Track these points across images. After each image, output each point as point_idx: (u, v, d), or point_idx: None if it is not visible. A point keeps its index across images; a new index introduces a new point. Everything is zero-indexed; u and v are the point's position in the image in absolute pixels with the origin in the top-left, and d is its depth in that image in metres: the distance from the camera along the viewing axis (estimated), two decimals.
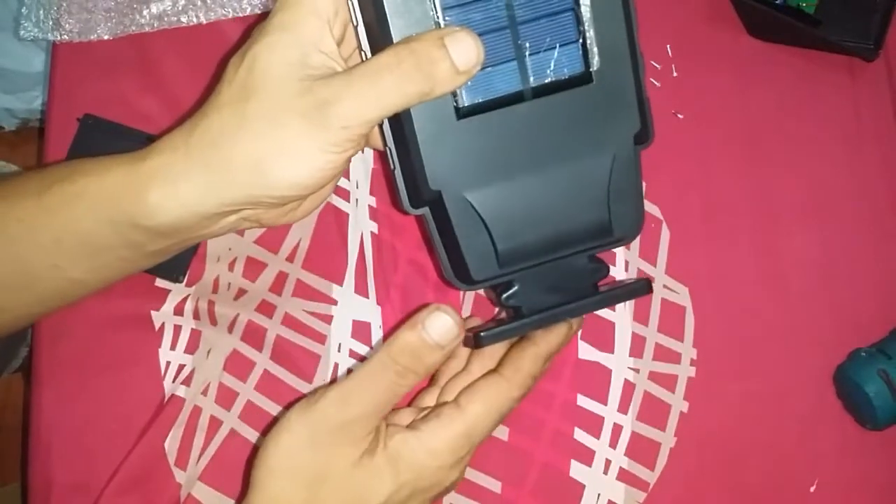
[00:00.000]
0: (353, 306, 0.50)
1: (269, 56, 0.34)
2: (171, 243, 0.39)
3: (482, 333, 0.37)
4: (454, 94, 0.35)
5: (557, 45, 0.35)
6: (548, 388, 0.50)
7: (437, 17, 0.34)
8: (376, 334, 0.50)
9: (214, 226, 0.38)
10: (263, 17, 0.55)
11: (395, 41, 0.34)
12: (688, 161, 0.55)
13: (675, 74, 0.57)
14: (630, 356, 0.51)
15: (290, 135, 0.33)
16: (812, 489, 0.50)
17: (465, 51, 0.33)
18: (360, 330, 0.50)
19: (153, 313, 0.49)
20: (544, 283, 0.38)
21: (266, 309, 0.49)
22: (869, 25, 0.57)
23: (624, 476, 0.49)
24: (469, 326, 0.40)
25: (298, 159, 0.33)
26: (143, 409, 0.48)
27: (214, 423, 0.47)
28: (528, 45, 0.34)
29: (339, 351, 0.49)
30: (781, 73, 0.57)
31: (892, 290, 0.54)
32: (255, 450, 0.40)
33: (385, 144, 0.37)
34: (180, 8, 0.54)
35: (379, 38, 0.34)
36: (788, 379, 0.52)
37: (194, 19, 0.54)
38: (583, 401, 0.50)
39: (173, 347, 0.48)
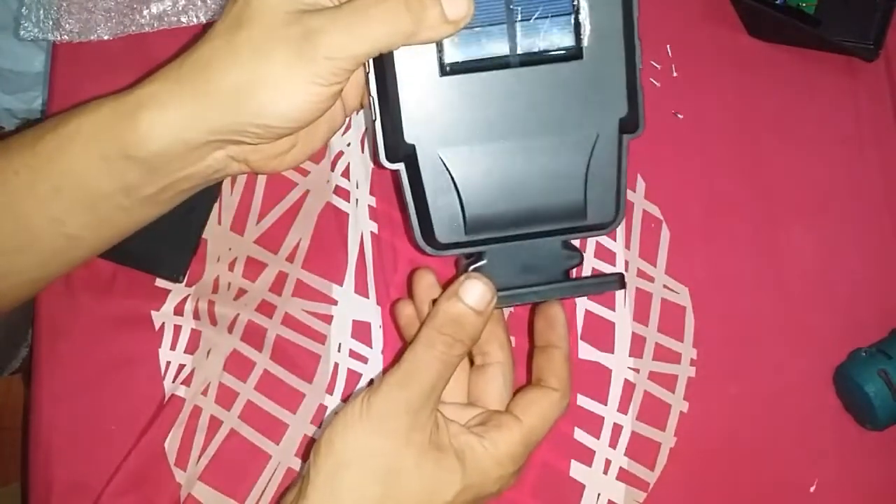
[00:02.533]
0: (353, 306, 0.50)
1: None
2: (164, 184, 0.38)
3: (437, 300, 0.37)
4: (440, 50, 0.35)
5: (549, 16, 0.34)
6: None
7: None
8: (376, 334, 0.50)
9: (202, 161, 0.38)
10: None
11: None
12: (688, 161, 0.55)
13: (674, 74, 0.57)
14: (630, 356, 0.51)
15: (275, 63, 0.33)
16: (812, 489, 0.50)
17: (456, 1, 0.33)
18: (360, 330, 0.50)
19: (153, 313, 0.49)
20: (514, 262, 0.37)
21: (266, 309, 0.49)
22: (869, 25, 0.57)
23: (624, 476, 0.49)
24: None
25: (283, 88, 0.34)
26: (143, 409, 0.48)
27: (214, 423, 0.47)
28: (519, 10, 0.34)
29: (339, 351, 0.49)
30: (781, 73, 0.57)
31: (892, 290, 0.54)
32: (310, 443, 0.39)
33: (368, 94, 0.36)
34: (180, 8, 0.54)
35: None
36: (788, 379, 0.52)
37: (194, 19, 0.54)
38: (583, 401, 0.50)
39: (173, 347, 0.48)
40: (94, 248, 0.42)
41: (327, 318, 0.50)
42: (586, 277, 0.40)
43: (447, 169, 0.35)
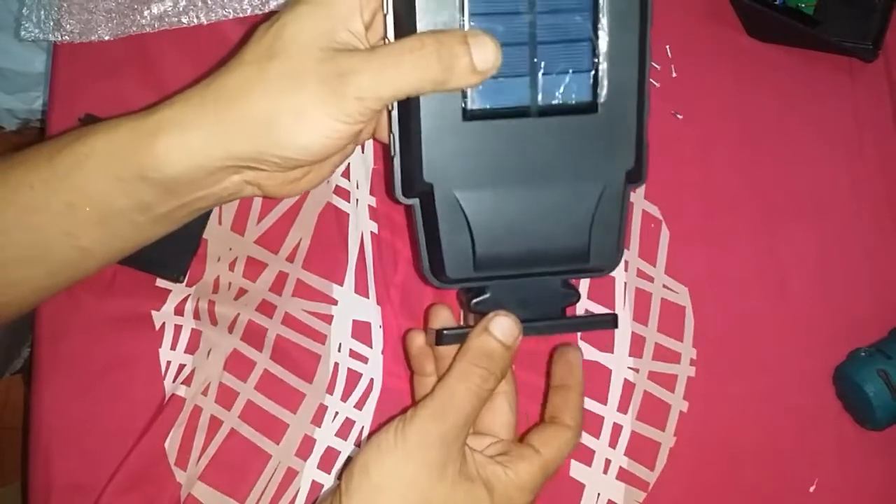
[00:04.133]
0: (353, 306, 0.50)
1: (299, 24, 0.35)
2: (178, 204, 0.39)
3: (444, 332, 0.39)
4: (464, 96, 0.36)
5: (570, 71, 0.36)
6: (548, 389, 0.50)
7: (463, 21, 0.35)
8: (376, 334, 0.50)
9: (219, 184, 0.39)
10: (266, 16, 0.55)
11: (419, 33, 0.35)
12: (687, 161, 0.55)
13: (674, 75, 0.57)
14: (630, 356, 0.51)
15: (305, 97, 0.34)
16: (811, 489, 0.50)
17: (485, 53, 0.34)
18: (361, 330, 0.50)
19: (153, 313, 0.49)
20: (515, 297, 0.39)
21: (266, 309, 0.49)
22: (868, 26, 0.57)
23: (624, 476, 0.49)
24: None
25: (309, 122, 0.34)
26: (143, 408, 0.48)
27: (215, 423, 0.47)
28: (543, 64, 0.36)
29: (339, 351, 0.49)
30: (781, 73, 0.57)
31: (892, 290, 0.54)
32: (347, 461, 0.40)
33: (390, 130, 0.37)
34: (181, 8, 0.54)
35: (405, 29, 0.36)
36: (788, 379, 0.52)
37: (195, 20, 0.54)
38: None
39: (174, 347, 0.48)
40: (104, 261, 0.43)
41: (327, 318, 0.50)
42: (583, 316, 0.43)
43: (462, 209, 0.37)
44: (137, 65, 0.54)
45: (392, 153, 0.38)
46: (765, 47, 0.58)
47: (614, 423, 0.50)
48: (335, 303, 0.50)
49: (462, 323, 0.45)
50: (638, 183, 0.39)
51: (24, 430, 0.49)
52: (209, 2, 0.54)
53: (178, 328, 0.49)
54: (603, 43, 0.36)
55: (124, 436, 0.47)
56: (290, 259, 0.50)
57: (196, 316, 0.49)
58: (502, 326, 0.38)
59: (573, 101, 0.37)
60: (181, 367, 0.48)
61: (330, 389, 0.49)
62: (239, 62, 0.36)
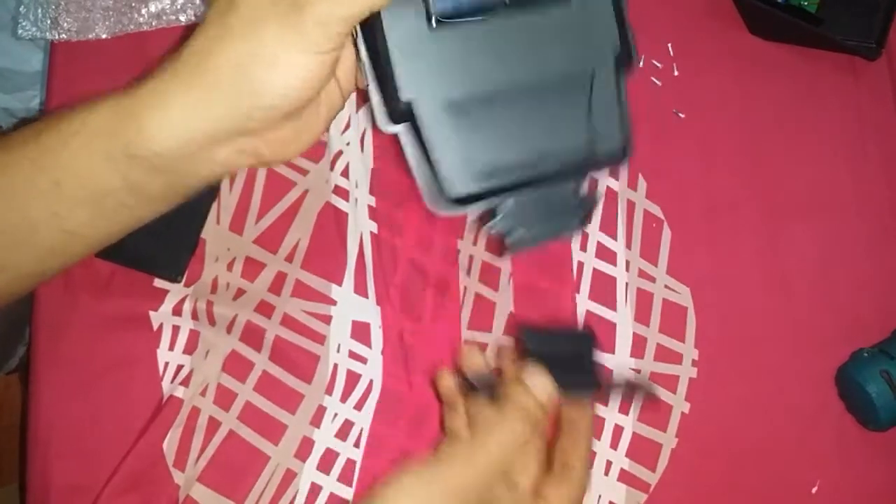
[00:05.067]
0: (352, 306, 0.50)
1: None
2: (169, 182, 0.38)
3: (473, 380, 0.41)
4: (427, 4, 0.34)
5: None
6: None
7: None
8: (376, 334, 0.50)
9: (210, 158, 0.37)
10: None
11: None
12: (689, 160, 0.55)
13: (676, 73, 0.57)
14: (631, 356, 0.51)
15: (268, 39, 0.34)
16: (814, 490, 0.50)
17: None
18: (360, 330, 0.50)
19: (151, 314, 0.49)
20: (530, 212, 0.37)
21: (265, 309, 0.49)
22: (871, 24, 0.57)
23: (625, 477, 0.49)
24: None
25: (280, 62, 0.34)
26: (141, 409, 0.47)
27: (213, 424, 0.47)
28: None
29: (338, 351, 0.49)
30: (783, 72, 0.57)
31: (894, 291, 0.54)
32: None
33: (359, 59, 0.36)
34: (178, 7, 0.54)
35: None
36: (790, 379, 0.52)
37: (192, 18, 0.54)
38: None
39: (172, 348, 0.48)
40: (93, 245, 0.42)
41: (326, 319, 0.49)
42: (618, 385, 0.43)
43: (448, 121, 0.35)
44: (135, 63, 0.53)
45: (366, 82, 0.36)
46: (767, 46, 0.57)
47: (615, 425, 0.50)
48: (334, 303, 0.50)
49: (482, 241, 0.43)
50: (629, 65, 0.37)
51: (22, 431, 0.49)
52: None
53: (175, 329, 0.48)
54: None
55: (122, 436, 0.47)
56: (289, 259, 0.50)
57: (194, 316, 0.49)
58: (541, 386, 0.39)
59: None
60: (179, 367, 0.48)
61: (329, 390, 0.48)
62: (203, 24, 0.35)
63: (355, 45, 0.36)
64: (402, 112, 0.35)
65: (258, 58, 0.34)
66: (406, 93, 0.34)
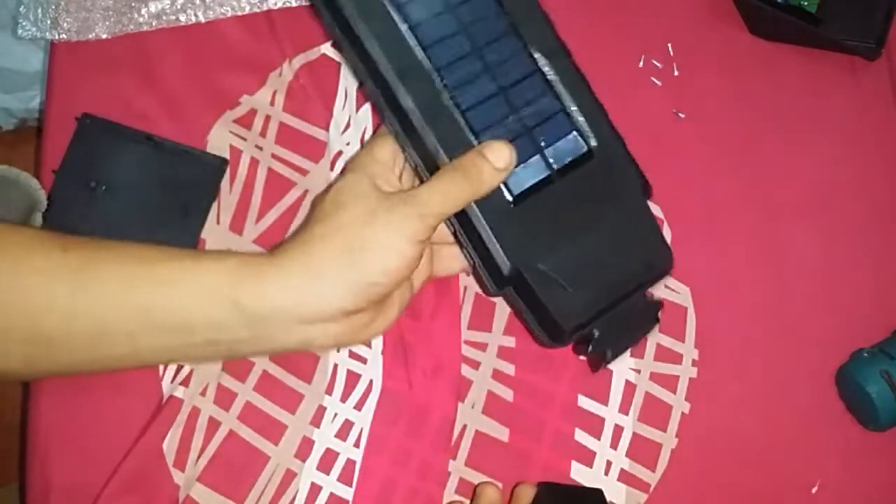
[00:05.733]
0: None
1: (349, 185, 0.42)
2: (249, 338, 0.41)
3: None
4: (506, 188, 0.43)
5: (563, 137, 0.44)
6: (548, 389, 0.50)
7: (477, 138, 0.43)
8: None
9: (299, 332, 0.41)
10: (265, 14, 0.55)
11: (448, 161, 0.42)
12: (689, 161, 0.55)
13: (675, 73, 0.57)
14: (631, 356, 0.51)
15: (378, 227, 0.40)
16: (814, 490, 0.50)
17: (500, 153, 0.41)
18: None
19: None
20: (618, 326, 0.45)
21: None
22: (871, 24, 0.57)
23: (625, 477, 0.49)
24: None
25: (383, 247, 0.40)
26: (141, 409, 0.47)
27: (213, 424, 0.47)
28: (542, 141, 0.44)
29: (338, 351, 0.49)
30: (783, 72, 0.57)
31: (894, 290, 0.54)
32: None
33: (461, 245, 0.44)
34: (179, 7, 0.54)
35: (433, 166, 0.42)
36: (790, 379, 0.52)
37: (193, 18, 0.54)
38: (583, 401, 0.50)
39: None
40: (141, 365, 0.45)
41: None
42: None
43: (549, 274, 0.43)
44: (135, 63, 0.53)
45: (470, 262, 0.44)
46: (767, 45, 0.57)
47: (615, 425, 0.50)
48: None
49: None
50: (649, 194, 0.46)
51: (22, 430, 0.49)
52: (207, 0, 0.54)
53: None
54: (570, 107, 0.44)
55: (122, 436, 0.47)
56: None
57: None
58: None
59: (577, 156, 0.44)
60: (179, 367, 0.48)
61: (329, 390, 0.48)
62: (310, 223, 0.41)
63: (454, 234, 0.44)
64: (506, 279, 0.43)
65: (368, 244, 0.40)
66: (506, 265, 0.42)
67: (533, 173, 0.43)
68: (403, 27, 0.43)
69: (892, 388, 0.48)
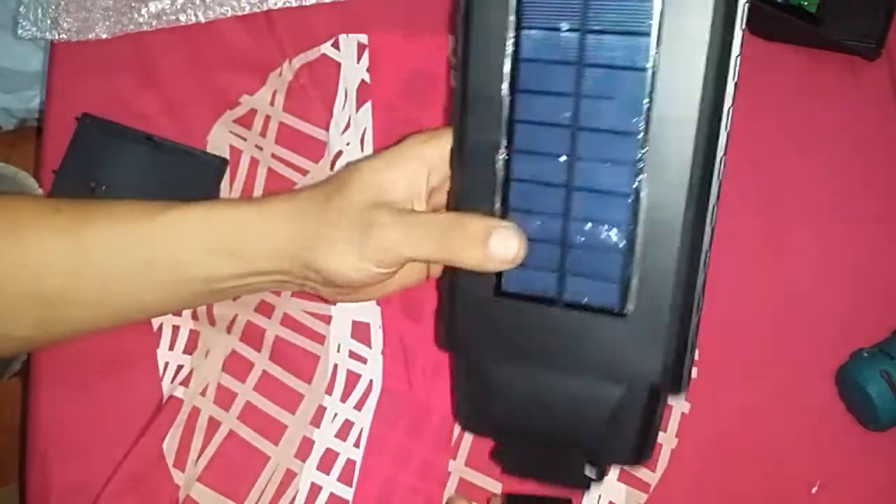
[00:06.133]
0: (352, 306, 0.50)
1: (366, 174, 0.40)
2: (240, 284, 0.43)
3: None
4: (499, 274, 0.37)
5: (597, 279, 0.36)
6: None
7: (505, 213, 0.37)
8: (376, 334, 0.50)
9: (281, 279, 0.43)
10: (265, 15, 0.55)
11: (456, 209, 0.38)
12: None
13: None
14: None
15: (341, 234, 0.39)
16: (814, 490, 0.50)
17: (505, 247, 0.36)
18: (360, 330, 0.49)
19: None
20: (535, 459, 0.40)
21: (265, 309, 0.49)
22: (871, 24, 0.56)
23: (625, 477, 0.49)
24: None
25: (338, 255, 0.39)
26: (141, 409, 0.47)
27: (213, 424, 0.47)
28: (570, 266, 0.36)
29: (338, 351, 0.49)
30: (783, 72, 0.57)
31: (894, 290, 0.54)
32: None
33: (440, 289, 0.40)
34: (179, 6, 0.54)
35: (454, 204, 0.38)
36: (790, 380, 0.52)
37: (193, 18, 0.54)
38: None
39: (171, 348, 0.48)
40: (150, 316, 0.47)
41: (326, 319, 0.49)
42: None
43: (483, 377, 0.39)
44: (135, 63, 0.53)
45: (440, 303, 0.40)
46: (767, 45, 0.57)
47: None
48: (334, 303, 0.50)
49: None
50: (675, 393, 0.37)
51: (22, 431, 0.49)
52: (207, 0, 0.54)
53: (175, 329, 0.48)
54: (638, 256, 0.35)
55: (122, 437, 0.47)
56: None
57: (194, 316, 0.49)
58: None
59: (599, 304, 0.36)
60: (179, 367, 0.48)
61: (329, 390, 0.48)
62: (323, 185, 0.42)
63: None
64: (453, 346, 0.40)
65: (326, 240, 0.39)
66: (454, 341, 0.39)
67: (537, 284, 0.37)
68: (508, 49, 0.35)
69: (892, 388, 0.48)
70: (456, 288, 0.38)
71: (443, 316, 0.40)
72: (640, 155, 0.34)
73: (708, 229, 0.35)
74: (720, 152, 0.35)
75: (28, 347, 0.47)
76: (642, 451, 0.38)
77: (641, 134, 0.34)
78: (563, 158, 0.35)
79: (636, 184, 0.34)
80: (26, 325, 0.42)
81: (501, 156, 0.36)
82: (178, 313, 0.48)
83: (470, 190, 0.37)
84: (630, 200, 0.35)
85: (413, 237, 0.38)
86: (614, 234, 0.35)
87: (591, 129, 0.35)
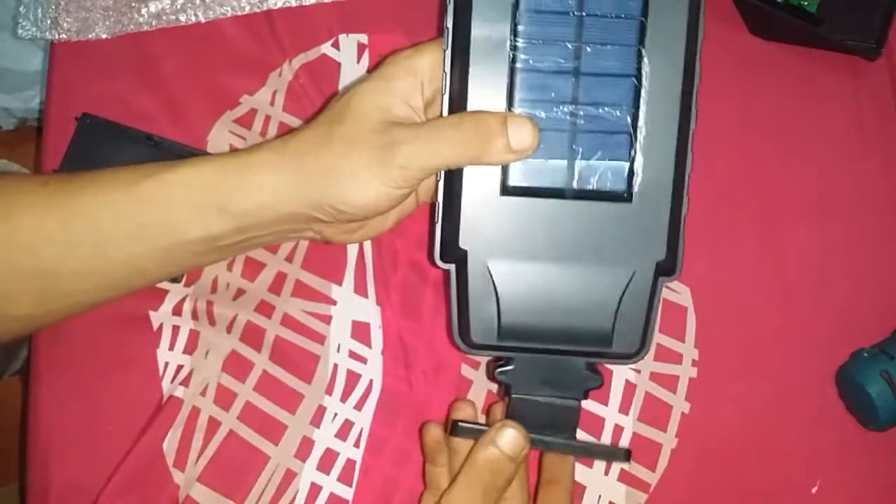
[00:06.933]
0: (352, 306, 0.50)
1: (364, 96, 0.40)
2: (240, 239, 0.42)
3: (460, 424, 0.41)
4: (505, 172, 0.39)
5: (607, 160, 0.38)
6: None
7: (511, 106, 0.38)
8: (376, 335, 0.50)
9: (285, 229, 0.43)
10: (264, 15, 0.55)
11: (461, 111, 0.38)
12: None
13: None
14: None
15: (359, 160, 0.39)
16: (814, 490, 0.50)
17: (522, 134, 0.38)
18: (360, 330, 0.49)
19: (151, 313, 0.49)
20: (539, 373, 0.41)
21: (265, 309, 0.49)
22: (871, 24, 0.56)
23: (625, 477, 0.49)
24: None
25: (361, 182, 0.39)
26: (141, 409, 0.47)
27: (213, 424, 0.47)
28: (581, 151, 0.38)
29: (338, 351, 0.49)
30: (783, 72, 0.57)
31: (894, 290, 0.54)
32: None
33: (436, 197, 0.40)
34: (179, 7, 0.54)
35: (458, 109, 0.39)
36: (790, 380, 0.52)
37: (193, 18, 0.54)
38: (583, 401, 0.50)
39: (171, 348, 0.48)
40: (153, 282, 0.46)
41: (326, 319, 0.49)
42: (598, 445, 0.46)
43: (492, 278, 0.39)
44: (135, 63, 0.53)
45: (436, 219, 0.40)
46: (767, 45, 0.57)
47: (615, 425, 0.50)
48: (334, 303, 0.50)
49: (485, 420, 0.46)
50: (671, 276, 0.40)
51: (22, 431, 0.49)
52: (207, 0, 0.54)
53: (175, 329, 0.48)
54: (641, 136, 0.38)
55: (122, 437, 0.47)
56: (289, 259, 0.50)
57: (194, 316, 0.49)
58: (509, 440, 0.40)
59: (608, 189, 0.39)
60: (179, 367, 0.48)
61: (329, 390, 0.48)
62: (315, 122, 0.41)
63: (436, 182, 0.40)
64: (455, 255, 0.39)
65: (346, 171, 0.39)
66: (465, 242, 0.39)
67: (545, 177, 0.38)
68: None
69: (892, 389, 0.48)
70: (461, 192, 0.39)
71: (446, 225, 0.40)
72: (637, 36, 0.38)
73: (694, 109, 0.39)
74: (700, 32, 0.39)
75: (31, 327, 0.46)
76: (645, 341, 0.40)
77: (636, 21, 0.37)
78: (570, 45, 0.37)
79: (638, 64, 0.38)
80: (25, 302, 0.42)
81: (506, 49, 0.37)
82: (178, 312, 0.48)
83: (474, 88, 0.38)
84: (633, 81, 0.38)
85: (434, 146, 0.38)
86: (619, 115, 0.38)
87: (593, 14, 0.37)
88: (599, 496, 0.49)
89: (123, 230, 0.41)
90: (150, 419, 0.47)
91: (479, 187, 0.39)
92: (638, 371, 0.50)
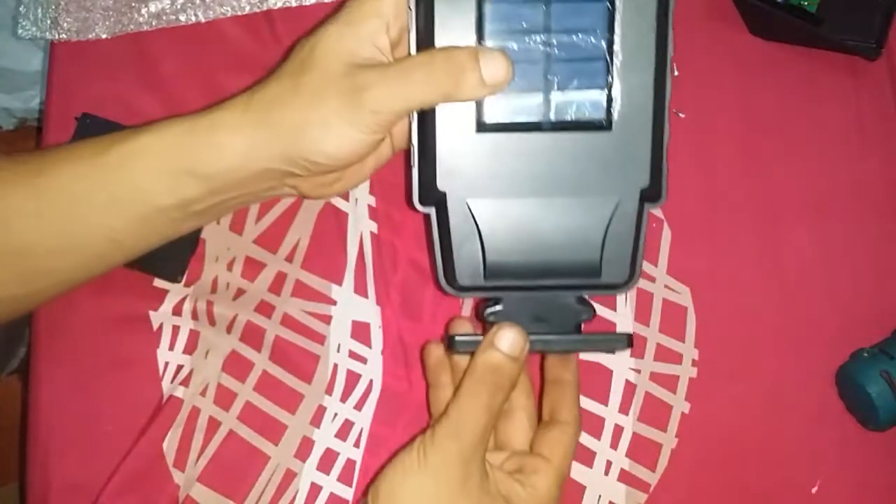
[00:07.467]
0: (352, 306, 0.50)
1: (328, 41, 0.38)
2: (217, 200, 0.41)
3: (457, 338, 0.40)
4: (478, 108, 0.38)
5: (584, 89, 0.37)
6: None
7: (480, 39, 0.37)
8: (376, 335, 0.50)
9: (258, 187, 0.42)
10: (265, 15, 0.55)
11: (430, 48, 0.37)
12: (689, 160, 0.55)
13: (675, 73, 0.57)
14: (631, 357, 0.51)
15: (328, 109, 0.37)
16: (814, 490, 0.50)
17: (495, 67, 0.36)
18: (360, 330, 0.49)
19: (151, 313, 0.49)
20: (528, 310, 0.40)
21: (265, 309, 0.49)
22: (871, 24, 0.56)
23: (625, 477, 0.49)
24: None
25: (332, 131, 0.37)
26: (141, 409, 0.47)
27: (213, 424, 0.47)
28: (556, 81, 0.37)
29: (338, 351, 0.49)
30: (783, 72, 0.57)
31: (894, 290, 0.54)
32: (372, 479, 0.41)
33: (410, 140, 0.39)
34: (179, 6, 0.54)
35: (426, 46, 0.38)
36: (790, 380, 0.52)
37: (193, 18, 0.54)
38: (583, 401, 0.50)
39: (171, 348, 0.48)
40: (133, 254, 0.45)
41: (326, 319, 0.49)
42: (597, 333, 0.43)
43: (473, 217, 0.38)
44: (135, 63, 0.53)
45: (411, 163, 0.39)
46: (767, 45, 0.57)
47: (615, 425, 0.50)
48: (334, 303, 0.50)
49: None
50: (656, 202, 0.39)
51: (22, 431, 0.49)
52: (207, 0, 0.54)
53: (175, 329, 0.48)
54: (618, 62, 0.37)
55: (122, 436, 0.47)
56: (289, 259, 0.50)
57: (194, 316, 0.49)
58: (508, 339, 0.39)
59: (586, 119, 0.38)
60: (179, 367, 0.48)
61: (329, 390, 0.48)
62: (279, 74, 0.40)
63: (410, 124, 0.39)
64: (435, 198, 0.38)
65: (315, 122, 0.38)
66: (442, 183, 0.38)
67: (521, 111, 0.37)
68: None
69: (892, 389, 0.48)
70: (436, 133, 0.38)
71: (422, 168, 0.39)
72: None
73: (670, 32, 0.37)
74: None
75: (20, 308, 0.45)
76: (634, 269, 0.40)
77: None
78: None
79: None
80: (9, 282, 0.41)
81: None
82: (178, 313, 0.48)
83: (442, 23, 0.37)
84: (606, 5, 0.36)
85: (404, 87, 0.37)
86: (594, 41, 0.36)
87: None
88: (599, 496, 0.49)
89: (95, 201, 0.40)
90: (150, 419, 0.47)
91: (453, 126, 0.38)
92: (638, 371, 0.50)
